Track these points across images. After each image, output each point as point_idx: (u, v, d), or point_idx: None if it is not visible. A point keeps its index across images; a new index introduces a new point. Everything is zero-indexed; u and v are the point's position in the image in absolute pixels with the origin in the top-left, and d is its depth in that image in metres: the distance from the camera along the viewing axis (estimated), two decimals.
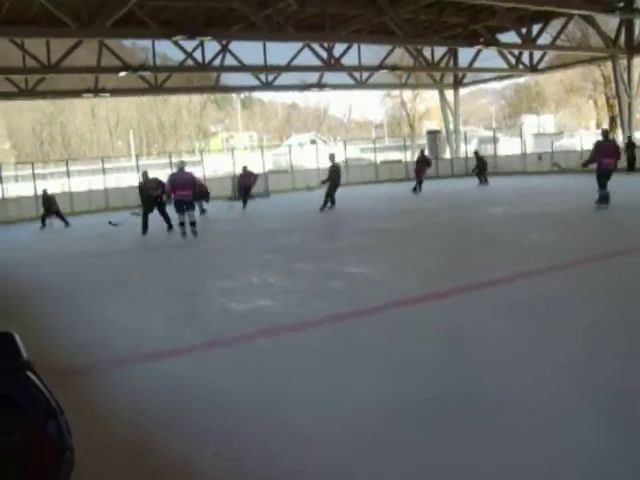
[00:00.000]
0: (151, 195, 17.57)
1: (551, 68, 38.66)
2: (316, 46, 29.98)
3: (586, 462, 3.34)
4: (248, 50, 30.42)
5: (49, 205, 23.80)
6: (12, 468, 0.97)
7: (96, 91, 30.81)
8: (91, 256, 14.60)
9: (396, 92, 57.42)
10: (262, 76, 34.06)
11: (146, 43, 30.62)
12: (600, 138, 16.19)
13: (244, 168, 26.41)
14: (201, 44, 27.68)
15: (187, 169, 17.27)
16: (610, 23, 32.14)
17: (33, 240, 20.21)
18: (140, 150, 67.12)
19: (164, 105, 75.16)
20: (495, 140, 39.29)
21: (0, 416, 0.98)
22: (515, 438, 3.70)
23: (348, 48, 31.19)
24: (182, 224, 16.29)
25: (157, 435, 4.20)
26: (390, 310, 7.14)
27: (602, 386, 4.38)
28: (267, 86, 35.19)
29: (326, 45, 30.03)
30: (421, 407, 4.27)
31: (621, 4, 25.16)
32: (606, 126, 40.01)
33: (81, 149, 70.80)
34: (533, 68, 35.09)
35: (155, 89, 32.85)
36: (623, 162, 24.94)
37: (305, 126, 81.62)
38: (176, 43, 26.37)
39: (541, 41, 30.49)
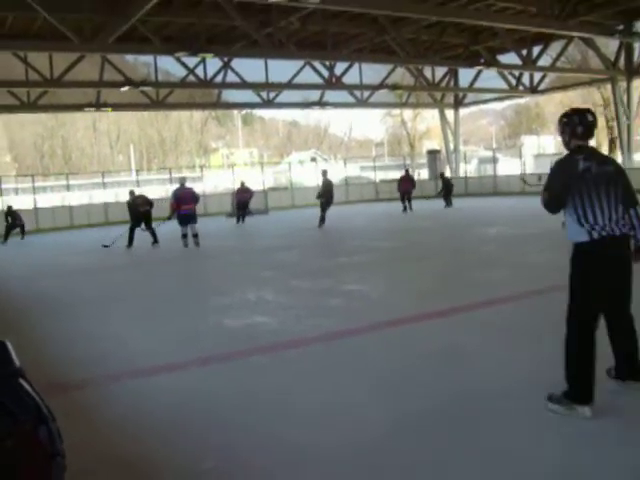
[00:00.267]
0: (139, 211, 18.70)
1: (551, 89, 38.86)
2: (317, 64, 30.08)
3: None
4: (250, 67, 30.56)
5: (14, 219, 24.97)
6: (3, 472, 0.98)
7: (98, 105, 30.90)
8: (88, 270, 14.62)
9: (397, 111, 57.66)
10: (263, 93, 34.16)
11: (148, 59, 30.80)
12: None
13: (242, 184, 26.88)
14: (203, 61, 27.77)
15: (187, 184, 18.38)
16: (610, 46, 32.33)
17: (32, 253, 20.19)
18: (140, 165, 67.33)
19: (165, 120, 75.41)
20: (495, 160, 39.39)
21: None
22: (509, 456, 3.70)
23: (349, 67, 31.30)
24: (184, 236, 17.60)
25: (153, 449, 4.19)
26: (388, 328, 7.14)
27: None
28: (268, 103, 35.30)
29: (327, 63, 30.15)
30: (417, 424, 4.28)
31: (621, 27, 25.36)
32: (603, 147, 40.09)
33: (82, 163, 70.96)
34: (533, 89, 35.22)
35: (157, 104, 32.95)
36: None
37: (306, 144, 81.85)
38: (178, 59, 26.47)
39: (541, 62, 30.64)
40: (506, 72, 33.04)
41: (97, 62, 27.15)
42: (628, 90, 31.87)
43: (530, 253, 12.42)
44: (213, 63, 28.47)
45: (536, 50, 30.15)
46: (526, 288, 8.86)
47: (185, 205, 17.52)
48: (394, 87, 33.66)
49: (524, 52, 29.35)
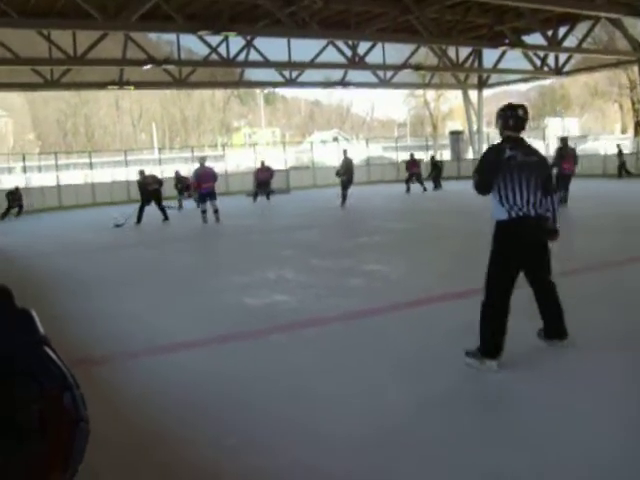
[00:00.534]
0: (148, 190, 19.44)
1: (576, 71, 38.35)
2: (340, 44, 29.94)
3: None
4: (272, 46, 30.41)
5: (19, 199, 26.79)
6: (29, 436, 1.00)
7: (120, 84, 30.93)
8: (107, 248, 14.73)
9: (420, 91, 57.26)
10: (286, 72, 34.05)
11: (171, 37, 30.68)
12: (561, 145, 18.10)
13: (262, 163, 27.27)
14: (226, 39, 27.71)
15: (210, 163, 19.26)
16: (638, 26, 31.88)
17: (53, 230, 20.35)
18: (163, 143, 67.43)
19: (187, 99, 75.45)
20: None
21: (19, 388, 1.01)
22: (531, 436, 3.71)
23: (372, 46, 31.11)
24: (204, 212, 18.52)
25: (172, 424, 4.24)
26: (408, 308, 7.15)
27: (615, 393, 4.37)
28: (291, 82, 35.17)
29: (350, 43, 30.00)
30: (439, 405, 4.29)
31: None
32: (630, 130, 39.64)
33: (104, 141, 71.21)
34: (558, 71, 34.83)
35: (179, 83, 32.93)
36: (614, 169, 29.80)
37: (328, 123, 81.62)
38: (201, 38, 26.40)
39: (567, 43, 30.25)
40: (531, 53, 32.68)
41: (120, 40, 27.17)
42: None
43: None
44: (236, 42, 28.41)
45: (562, 31, 29.77)
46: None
47: (205, 184, 18.54)
48: (417, 67, 33.44)
49: (549, 33, 28.99)
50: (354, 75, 35.53)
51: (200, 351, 5.99)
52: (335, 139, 54.50)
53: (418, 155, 44.30)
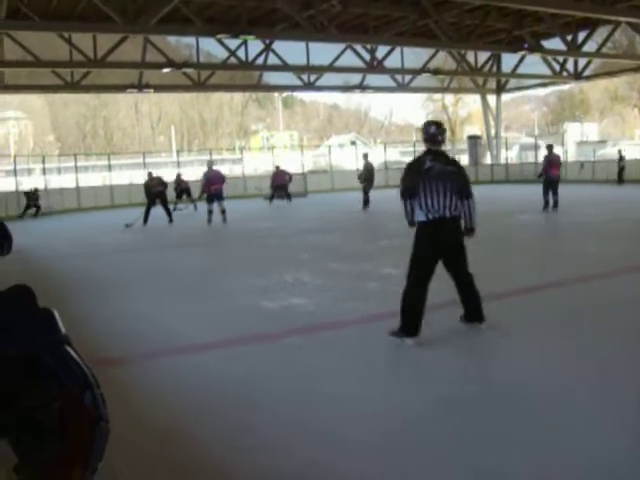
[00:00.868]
0: (152, 192, 20.27)
1: (596, 76, 38.17)
2: (359, 47, 29.96)
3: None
4: (291, 50, 30.50)
5: (36, 200, 27.39)
6: (50, 433, 1.02)
7: (140, 86, 31.12)
8: (123, 250, 14.82)
9: (438, 96, 57.25)
10: (304, 76, 34.12)
11: (190, 40, 30.82)
12: (547, 152, 19.28)
13: (277, 167, 27.74)
14: (244, 42, 27.81)
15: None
16: None
17: (72, 232, 20.47)
18: (181, 146, 67.74)
19: (206, 102, 75.76)
20: (536, 147, 38.92)
21: (40, 386, 1.03)
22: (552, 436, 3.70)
23: (391, 50, 31.10)
24: (210, 212, 19.29)
25: (189, 424, 4.25)
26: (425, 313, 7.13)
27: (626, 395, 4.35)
28: (309, 86, 35.25)
29: (369, 47, 30.01)
30: (451, 409, 4.28)
31: None
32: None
33: (123, 143, 71.66)
34: (577, 75, 34.68)
35: (198, 86, 33.08)
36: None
37: (346, 127, 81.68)
38: (220, 41, 26.49)
39: (586, 48, 30.09)
40: (550, 58, 32.57)
41: (139, 43, 27.33)
42: None
43: (567, 242, 12.29)
44: (254, 45, 28.49)
45: (581, 35, 29.64)
46: (558, 277, 8.78)
47: (213, 185, 19.43)
48: (436, 72, 33.40)
49: (569, 37, 28.88)
50: (372, 79, 35.54)
51: (217, 353, 6.01)
52: (353, 143, 54.57)
53: None
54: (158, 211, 20.38)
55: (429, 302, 5.81)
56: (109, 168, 34.09)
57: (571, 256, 10.64)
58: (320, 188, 34.46)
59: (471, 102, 57.67)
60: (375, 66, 30.80)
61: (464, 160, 42.57)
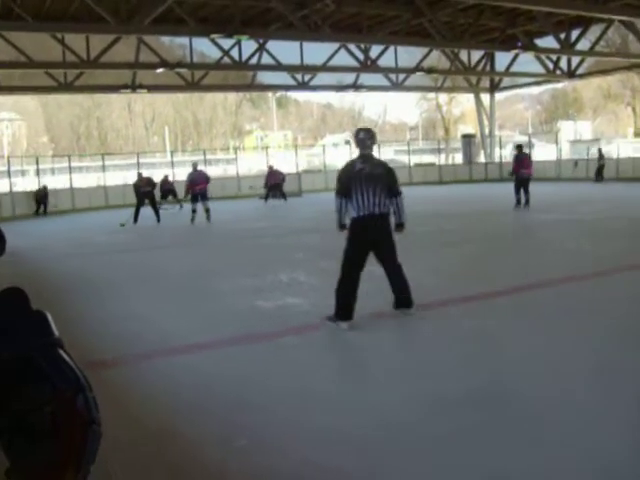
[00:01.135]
0: (141, 192, 20.76)
1: (589, 74, 38.24)
2: (353, 47, 29.96)
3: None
4: (285, 49, 30.49)
5: (44, 198, 28.25)
6: (42, 437, 1.01)
7: (133, 87, 31.08)
8: (115, 251, 14.79)
9: (432, 95, 57.29)
10: (298, 76, 34.12)
11: (184, 40, 30.77)
12: (517, 152, 20.06)
13: (270, 167, 28.10)
14: (238, 42, 27.78)
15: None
16: None
17: (66, 233, 20.43)
18: (175, 146, 67.68)
19: (200, 102, 75.70)
20: (530, 146, 38.97)
21: (33, 389, 1.02)
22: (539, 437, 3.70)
23: (385, 49, 31.10)
24: (194, 211, 19.89)
25: (183, 426, 4.25)
26: (419, 311, 7.14)
27: (620, 393, 4.35)
28: (303, 86, 35.25)
29: (363, 46, 30.01)
30: (447, 408, 4.28)
31: None
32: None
33: (117, 144, 71.57)
34: (571, 74, 34.72)
35: (191, 86, 33.05)
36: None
37: (340, 126, 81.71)
38: (213, 41, 26.48)
39: (580, 46, 30.13)
40: (543, 56, 32.61)
41: (133, 44, 27.30)
42: None
43: (566, 240, 12.31)
44: (248, 45, 28.47)
45: (575, 34, 29.68)
46: (561, 274, 8.80)
47: (197, 185, 20.02)
48: (429, 70, 33.41)
49: (562, 36, 28.91)
50: (366, 78, 35.55)
51: (211, 353, 6.01)
52: (347, 142, 54.48)
53: (428, 159, 44.50)
54: (148, 211, 20.61)
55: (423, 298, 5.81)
56: (103, 169, 33.97)
57: (566, 253, 10.67)
58: (314, 187, 34.43)
59: (465, 101, 57.74)
60: (369, 65, 30.80)
61: (458, 159, 42.73)
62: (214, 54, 30.71)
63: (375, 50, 30.85)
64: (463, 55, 34.36)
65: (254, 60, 29.36)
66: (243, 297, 8.41)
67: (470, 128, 54.42)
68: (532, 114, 77.05)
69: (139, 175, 21.85)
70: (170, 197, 26.39)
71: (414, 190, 27.82)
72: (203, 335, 6.61)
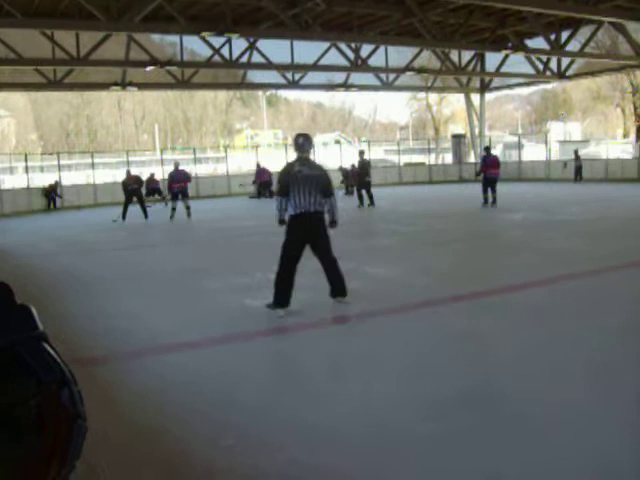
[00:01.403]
0: (128, 189, 21.33)
1: (579, 75, 38.35)
2: (343, 46, 29.96)
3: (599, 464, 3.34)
4: (275, 48, 30.46)
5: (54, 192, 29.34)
6: (26, 431, 1.01)
7: (123, 84, 30.97)
8: (105, 249, 14.75)
9: (422, 95, 57.34)
10: (288, 74, 34.09)
11: (174, 38, 30.68)
12: (485, 153, 21.01)
13: (258, 164, 28.57)
14: (229, 41, 27.75)
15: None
16: None
17: (56, 230, 20.36)
18: (165, 144, 67.50)
19: (190, 100, 75.55)
20: (520, 146, 39.09)
21: (17, 382, 1.02)
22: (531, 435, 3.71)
23: (375, 49, 31.11)
24: (174, 209, 20.72)
25: (172, 424, 4.24)
26: (408, 312, 7.15)
27: (621, 392, 4.37)
28: (293, 85, 35.21)
29: (353, 45, 30.01)
30: (438, 408, 4.28)
31: None
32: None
33: (107, 141, 71.31)
34: (561, 75, 34.82)
35: (182, 84, 32.96)
36: (571, 173, 32.11)
37: (330, 126, 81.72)
38: (204, 39, 26.42)
39: (570, 48, 30.22)
40: (533, 57, 32.70)
41: (123, 41, 27.21)
42: None
43: (555, 239, 12.34)
44: (238, 43, 28.44)
45: (565, 35, 29.77)
46: (553, 273, 8.82)
47: (176, 184, 20.86)
48: (420, 70, 33.45)
49: (552, 37, 29.00)
50: (357, 78, 35.57)
51: (201, 351, 6.00)
52: (337, 142, 54.53)
53: (418, 158, 44.53)
54: (136, 209, 21.07)
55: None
56: (92, 166, 33.84)
57: (556, 253, 10.71)
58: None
59: (455, 101, 57.84)
60: (359, 65, 30.80)
61: (448, 158, 42.79)
62: (204, 52, 30.68)
63: (365, 49, 30.86)
64: (453, 55, 34.42)
65: (244, 59, 29.33)
66: (232, 295, 8.40)
67: (460, 128, 54.51)
68: (522, 115, 77.23)
69: (128, 173, 22.33)
70: (156, 195, 26.42)
71: (404, 190, 27.89)
72: (193, 333, 6.60)
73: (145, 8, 19.09)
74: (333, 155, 40.42)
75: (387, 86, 37.04)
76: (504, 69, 34.94)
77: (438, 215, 18.91)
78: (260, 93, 69.50)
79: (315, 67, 31.51)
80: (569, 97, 70.56)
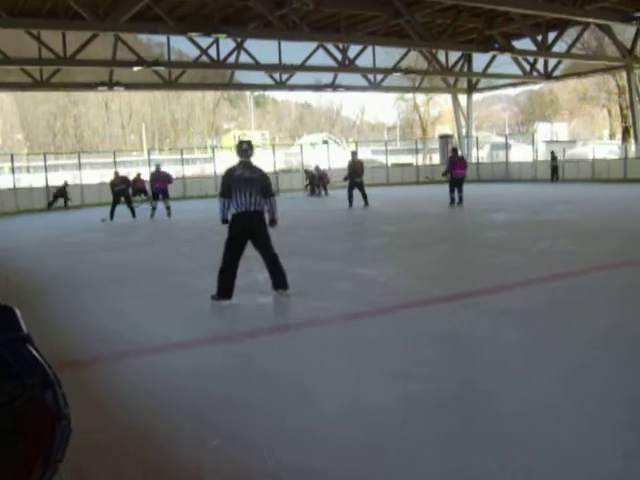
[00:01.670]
0: (115, 190, 21.86)
1: (565, 76, 38.57)
2: (331, 47, 30.01)
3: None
4: (263, 48, 30.49)
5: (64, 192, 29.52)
6: (10, 433, 1.00)
7: (110, 85, 30.90)
8: (93, 250, 14.70)
9: (409, 95, 57.44)
10: (276, 75, 34.10)
11: (161, 38, 30.68)
12: (451, 154, 21.50)
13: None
14: (216, 41, 27.74)
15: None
16: (627, 33, 32.03)
17: (43, 232, 20.27)
18: (152, 145, 67.33)
19: (177, 101, 75.42)
20: (507, 146, 39.22)
21: (1, 384, 1.01)
22: (514, 438, 3.72)
23: (363, 50, 31.19)
24: (154, 208, 21.64)
25: (159, 425, 4.22)
26: (395, 312, 7.15)
27: (595, 393, 4.38)
28: (281, 85, 35.23)
29: (341, 46, 30.06)
30: (423, 407, 4.29)
31: (638, 14, 25.10)
32: (612, 134, 39.93)
33: (94, 142, 71.07)
34: (547, 75, 34.99)
35: (169, 84, 32.92)
36: (547, 173, 32.61)
37: (317, 126, 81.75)
38: (191, 39, 26.39)
39: (556, 49, 30.40)
40: (520, 58, 32.84)
41: (110, 41, 27.15)
42: None
43: (541, 240, 12.38)
44: (226, 44, 28.44)
45: (551, 36, 29.93)
46: (537, 274, 8.85)
47: (157, 184, 21.72)
48: (407, 71, 33.55)
49: (539, 38, 29.15)
50: (344, 78, 35.63)
51: (189, 352, 5.98)
52: (325, 142, 54.54)
53: (405, 159, 44.67)
54: (125, 209, 21.41)
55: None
56: (79, 167, 33.70)
57: (544, 253, 10.74)
58: (292, 187, 34.43)
59: (442, 101, 57.96)
60: (347, 65, 30.86)
61: (435, 159, 42.88)
62: (192, 53, 30.69)
63: (353, 50, 30.94)
64: (441, 56, 34.53)
65: (232, 59, 29.33)
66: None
67: (448, 129, 54.64)
68: (509, 115, 77.52)
69: (116, 174, 22.98)
70: (142, 195, 26.40)
71: (391, 191, 27.90)
72: (180, 334, 6.58)
73: (132, 8, 19.06)
74: (321, 155, 40.41)
75: (375, 87, 37.12)
76: (491, 70, 35.10)
77: (424, 215, 18.96)
78: (248, 93, 69.44)
79: (303, 67, 31.54)
80: (556, 98, 70.85)
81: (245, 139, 8.77)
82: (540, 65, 34.39)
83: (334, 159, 36.91)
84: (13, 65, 27.11)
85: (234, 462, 3.61)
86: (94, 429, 3.92)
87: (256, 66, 30.61)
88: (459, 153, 22.24)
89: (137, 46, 29.82)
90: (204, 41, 27.20)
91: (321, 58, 30.71)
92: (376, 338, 6.14)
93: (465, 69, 37.09)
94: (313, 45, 29.78)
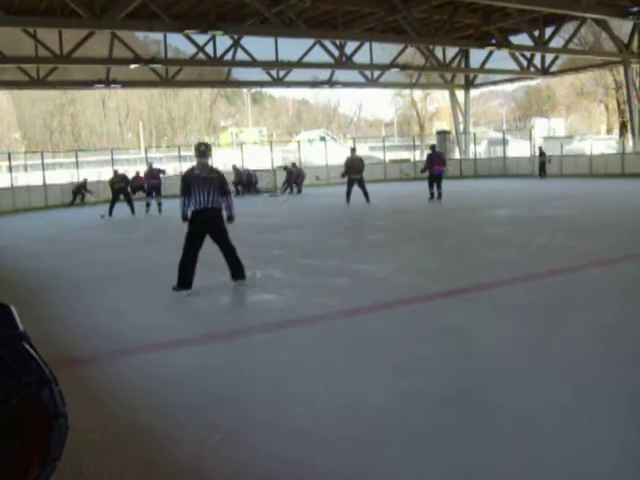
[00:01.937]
0: (114, 187, 22.50)
1: (563, 71, 38.52)
2: (328, 43, 29.96)
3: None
4: (260, 45, 30.45)
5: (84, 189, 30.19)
6: (6, 431, 0.99)
7: (107, 82, 30.83)
8: (91, 248, 14.66)
9: (407, 91, 57.38)
10: (273, 72, 34.03)
11: (158, 36, 30.59)
12: (430, 151, 22.11)
13: (233, 166, 29.79)
14: (213, 38, 27.68)
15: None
16: (624, 28, 32.00)
17: (41, 230, 20.24)
18: (150, 142, 67.23)
19: (174, 98, 75.27)
20: (505, 142, 39.16)
21: None
22: (512, 436, 3.71)
23: (360, 46, 31.14)
24: (148, 205, 22.86)
25: (158, 423, 4.22)
26: (394, 308, 7.15)
27: (594, 389, 4.38)
28: (278, 82, 35.16)
29: (338, 42, 30.02)
30: (422, 402, 4.28)
31: (635, 9, 25.07)
32: (608, 130, 39.97)
33: (91, 140, 70.95)
34: (545, 71, 34.96)
35: (166, 82, 32.87)
36: (535, 169, 33.01)
37: (315, 123, 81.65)
38: (188, 37, 26.35)
39: (553, 44, 30.36)
40: (517, 53, 32.80)
41: (107, 39, 27.08)
42: None
43: (538, 235, 12.37)
44: (223, 41, 28.40)
45: (548, 31, 29.89)
46: (536, 269, 8.85)
47: (151, 180, 22.98)
48: (404, 67, 33.50)
49: (536, 33, 29.10)
50: (341, 74, 35.57)
51: (188, 349, 5.97)
52: (322, 138, 54.46)
53: (404, 155, 44.68)
54: (124, 206, 21.89)
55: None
56: (77, 165, 33.62)
57: (539, 249, 10.74)
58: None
59: (440, 97, 57.94)
60: (344, 61, 30.82)
61: None
62: (189, 50, 30.63)
63: (350, 46, 30.89)
64: (438, 52, 34.50)
65: (229, 56, 29.28)
66: (219, 293, 8.40)
67: (445, 125, 54.61)
68: (506, 111, 77.46)
69: (115, 172, 23.79)
70: (141, 193, 26.49)
71: (389, 187, 27.88)
72: (179, 331, 6.58)
73: (129, 6, 19.02)
74: (318, 152, 40.35)
75: (372, 83, 37.04)
76: (488, 65, 35.04)
77: (421, 211, 18.97)
78: (245, 90, 69.40)
79: (300, 64, 31.49)
80: (553, 93, 70.85)
81: (203, 141, 9.39)
82: (537, 60, 34.34)
83: (332, 155, 36.83)
84: (9, 63, 27.02)
85: (234, 460, 3.61)
86: (93, 427, 3.91)
87: (253, 63, 30.55)
88: (437, 150, 22.86)
89: (134, 44, 29.72)
90: (201, 38, 27.15)
91: (318, 55, 30.67)
92: (375, 334, 6.14)
93: (462, 65, 37.04)
94: (310, 42, 29.74)
